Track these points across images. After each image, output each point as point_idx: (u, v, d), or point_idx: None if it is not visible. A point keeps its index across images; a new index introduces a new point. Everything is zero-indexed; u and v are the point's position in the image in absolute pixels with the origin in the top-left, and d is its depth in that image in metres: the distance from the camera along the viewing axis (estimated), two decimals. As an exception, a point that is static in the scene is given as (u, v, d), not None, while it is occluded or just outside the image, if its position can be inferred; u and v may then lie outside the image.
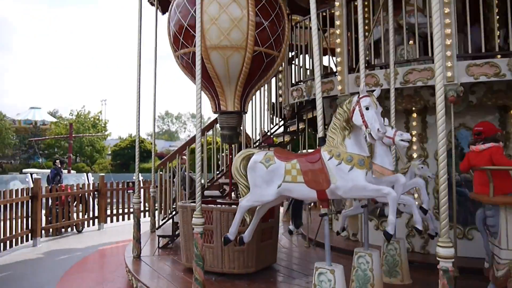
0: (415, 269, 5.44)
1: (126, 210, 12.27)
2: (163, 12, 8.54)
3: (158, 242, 7.46)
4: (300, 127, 8.51)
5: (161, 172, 8.47)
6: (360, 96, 3.73)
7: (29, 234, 9.17)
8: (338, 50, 6.37)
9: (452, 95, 5.32)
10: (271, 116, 8.84)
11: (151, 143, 51.61)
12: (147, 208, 13.03)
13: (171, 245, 7.51)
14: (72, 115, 52.10)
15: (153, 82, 8.20)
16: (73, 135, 41.97)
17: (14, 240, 8.70)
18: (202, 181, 8.06)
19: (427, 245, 6.49)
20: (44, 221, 9.81)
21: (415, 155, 6.64)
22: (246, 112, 6.19)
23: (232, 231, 4.44)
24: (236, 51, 5.38)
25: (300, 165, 3.97)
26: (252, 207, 4.40)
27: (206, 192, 7.42)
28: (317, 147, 4.06)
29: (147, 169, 44.27)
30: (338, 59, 6.43)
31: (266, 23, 5.46)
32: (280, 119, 8.77)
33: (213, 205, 5.63)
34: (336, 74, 6.59)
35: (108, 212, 11.84)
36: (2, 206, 8.33)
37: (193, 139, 8.03)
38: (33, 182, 9.76)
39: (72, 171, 30.21)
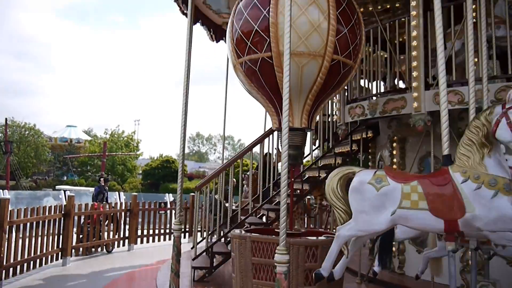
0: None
1: (156, 232, 12.02)
2: (217, 40, 8.52)
3: (193, 274, 6.78)
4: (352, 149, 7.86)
5: (200, 195, 7.98)
6: (509, 106, 3.15)
7: (60, 253, 8.97)
8: (414, 63, 5.77)
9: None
10: (313, 137, 8.38)
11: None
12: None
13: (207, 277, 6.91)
14: (106, 134, 53.10)
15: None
16: (106, 154, 42.51)
17: (44, 258, 8.50)
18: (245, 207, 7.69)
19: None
20: (75, 239, 9.63)
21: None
22: (312, 130, 5.53)
23: (326, 266, 3.80)
24: (313, 59, 4.71)
25: (423, 188, 3.36)
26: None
27: (248, 219, 6.97)
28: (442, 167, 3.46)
29: (174, 190, 44.24)
30: (414, 74, 5.79)
31: (345, 29, 4.81)
32: (325, 140, 8.24)
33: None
34: (407, 90, 6.15)
35: (139, 232, 11.60)
36: (34, 223, 8.17)
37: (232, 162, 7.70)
38: (66, 199, 9.60)
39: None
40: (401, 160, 7.26)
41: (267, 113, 7.52)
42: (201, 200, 8.03)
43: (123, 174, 48.87)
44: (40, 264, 8.37)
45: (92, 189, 16.68)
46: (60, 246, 8.98)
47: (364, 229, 3.64)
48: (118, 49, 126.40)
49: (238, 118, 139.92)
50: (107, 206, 10.73)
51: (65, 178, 48.89)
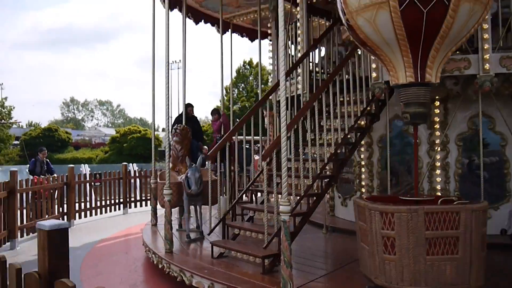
0: None
1: (93, 205, 11.40)
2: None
3: (212, 252, 5.60)
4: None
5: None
6: None
7: (6, 236, 8.08)
8: (485, 26, 5.72)
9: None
10: None
11: (66, 132, 47.93)
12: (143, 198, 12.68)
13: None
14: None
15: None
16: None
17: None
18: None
19: None
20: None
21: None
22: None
23: None
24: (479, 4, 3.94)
25: None
26: None
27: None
28: None
29: (62, 160, 41.32)
30: (485, 36, 5.72)
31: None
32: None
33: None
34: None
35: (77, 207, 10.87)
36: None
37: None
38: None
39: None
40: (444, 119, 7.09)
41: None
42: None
43: (-5, 145, 43.67)
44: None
45: None
46: (6, 228, 8.08)
47: None
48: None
49: (119, 83, 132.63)
50: (51, 180, 9.81)
51: None
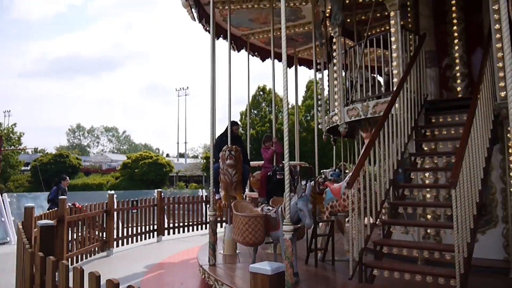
0: None
1: (134, 231, 11.17)
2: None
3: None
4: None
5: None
6: None
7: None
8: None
9: None
10: None
11: (76, 158, 47.62)
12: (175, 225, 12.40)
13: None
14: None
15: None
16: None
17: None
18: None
19: None
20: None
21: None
22: None
23: None
24: None
25: None
26: None
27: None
28: None
29: (72, 187, 41.03)
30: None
31: None
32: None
33: None
34: None
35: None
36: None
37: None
38: None
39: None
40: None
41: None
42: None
43: (5, 171, 43.42)
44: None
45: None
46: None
47: None
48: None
49: (124, 110, 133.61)
50: (88, 208, 9.56)
51: None
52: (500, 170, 6.80)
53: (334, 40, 7.31)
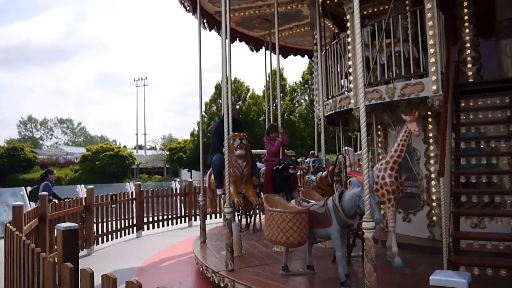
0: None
1: (114, 228, 10.51)
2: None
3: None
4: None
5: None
6: None
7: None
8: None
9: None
10: None
11: (32, 151, 45.39)
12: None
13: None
14: None
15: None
16: None
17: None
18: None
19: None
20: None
21: None
22: None
23: None
24: None
25: None
26: None
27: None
28: None
29: (28, 181, 39.05)
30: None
31: None
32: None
33: None
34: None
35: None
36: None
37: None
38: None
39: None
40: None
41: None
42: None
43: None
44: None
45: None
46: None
47: None
48: None
49: (78, 101, 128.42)
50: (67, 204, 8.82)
51: None
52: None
53: (347, 17, 6.80)
